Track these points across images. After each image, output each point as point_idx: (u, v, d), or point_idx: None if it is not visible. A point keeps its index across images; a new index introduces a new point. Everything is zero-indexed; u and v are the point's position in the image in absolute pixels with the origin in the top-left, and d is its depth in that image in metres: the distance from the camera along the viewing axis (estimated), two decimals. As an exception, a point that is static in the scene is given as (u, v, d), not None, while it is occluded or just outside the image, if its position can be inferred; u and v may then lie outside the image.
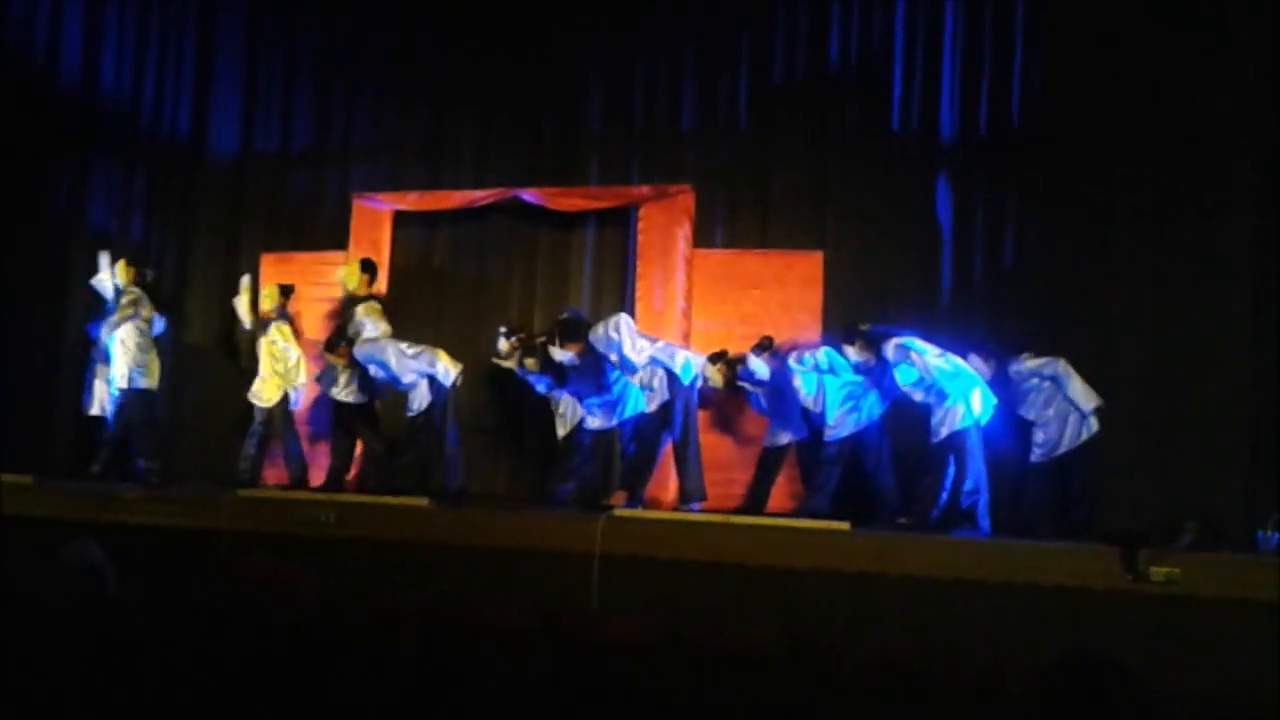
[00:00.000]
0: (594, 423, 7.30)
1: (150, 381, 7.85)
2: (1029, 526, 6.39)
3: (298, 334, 8.00)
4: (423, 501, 6.55)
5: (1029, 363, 6.66)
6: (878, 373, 6.74)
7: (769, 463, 7.12)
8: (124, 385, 7.74)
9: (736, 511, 6.76)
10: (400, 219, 8.46)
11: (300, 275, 8.38)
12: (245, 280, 8.18)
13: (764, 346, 7.05)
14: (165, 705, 2.46)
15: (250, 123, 8.97)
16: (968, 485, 6.39)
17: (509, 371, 7.59)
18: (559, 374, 7.26)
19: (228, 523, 6.30)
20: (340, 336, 7.70)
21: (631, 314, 7.48)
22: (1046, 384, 6.62)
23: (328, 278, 8.29)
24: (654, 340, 7.14)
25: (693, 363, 7.02)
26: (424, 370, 7.39)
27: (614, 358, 7.01)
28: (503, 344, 7.51)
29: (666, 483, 7.28)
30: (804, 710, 2.68)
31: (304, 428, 8.12)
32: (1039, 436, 6.63)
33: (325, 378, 7.84)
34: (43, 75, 8.99)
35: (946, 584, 5.31)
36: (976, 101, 7.49)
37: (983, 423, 6.49)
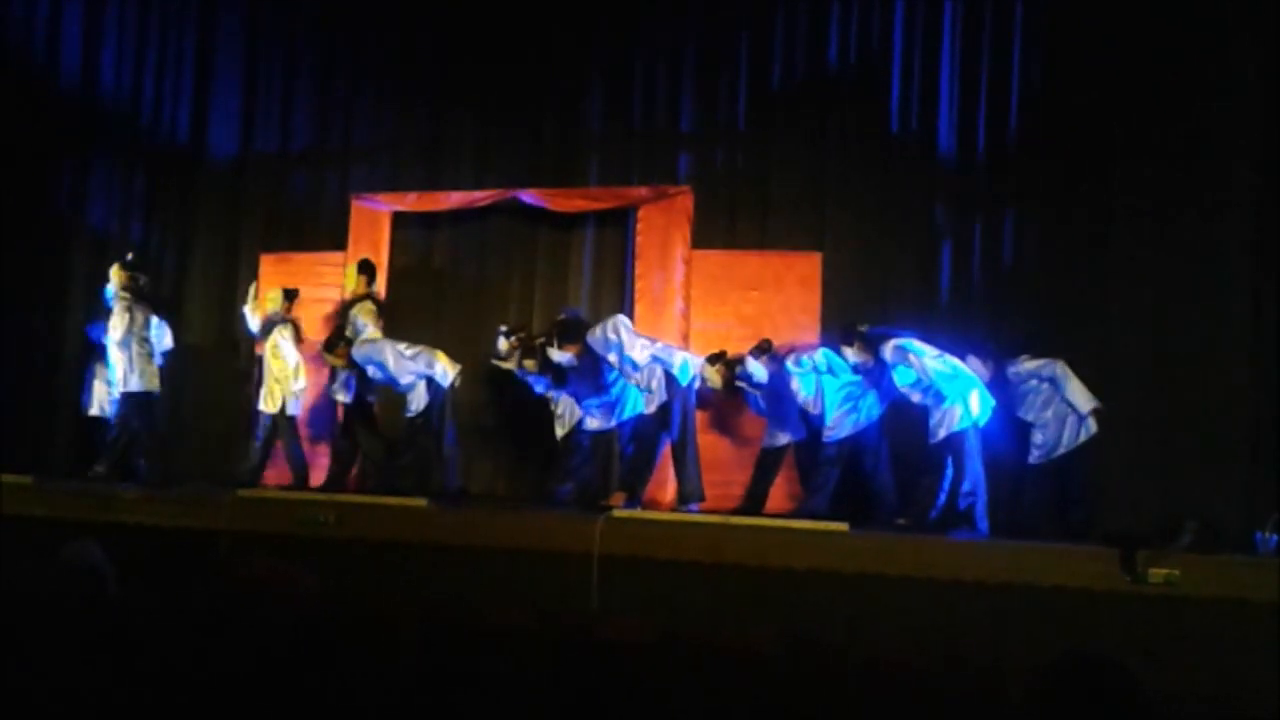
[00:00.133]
0: (593, 423, 7.31)
1: (149, 384, 7.83)
2: (1028, 528, 6.39)
3: (300, 339, 7.98)
4: (422, 502, 6.54)
5: (1027, 364, 6.66)
6: (876, 374, 6.74)
7: (767, 463, 7.12)
8: (123, 389, 7.73)
9: (735, 512, 6.75)
10: (399, 219, 8.47)
11: (300, 276, 8.37)
12: (254, 288, 8.15)
13: (762, 350, 7.05)
14: (165, 705, 2.46)
15: (250, 123, 8.96)
16: (965, 486, 6.38)
17: (508, 372, 7.59)
18: (558, 375, 7.27)
19: (227, 523, 6.28)
20: (339, 337, 7.70)
21: (630, 315, 7.49)
22: (1045, 385, 6.62)
23: (327, 278, 8.29)
24: (653, 341, 7.14)
25: (691, 364, 7.02)
26: (422, 371, 7.38)
27: (613, 359, 7.01)
28: (502, 344, 7.52)
29: (665, 483, 7.28)
30: (803, 710, 2.68)
31: (304, 429, 8.12)
32: (1037, 438, 6.62)
33: (328, 379, 7.83)
34: (43, 75, 8.99)
35: (945, 585, 5.30)
36: (976, 102, 7.49)
37: (981, 424, 6.49)
